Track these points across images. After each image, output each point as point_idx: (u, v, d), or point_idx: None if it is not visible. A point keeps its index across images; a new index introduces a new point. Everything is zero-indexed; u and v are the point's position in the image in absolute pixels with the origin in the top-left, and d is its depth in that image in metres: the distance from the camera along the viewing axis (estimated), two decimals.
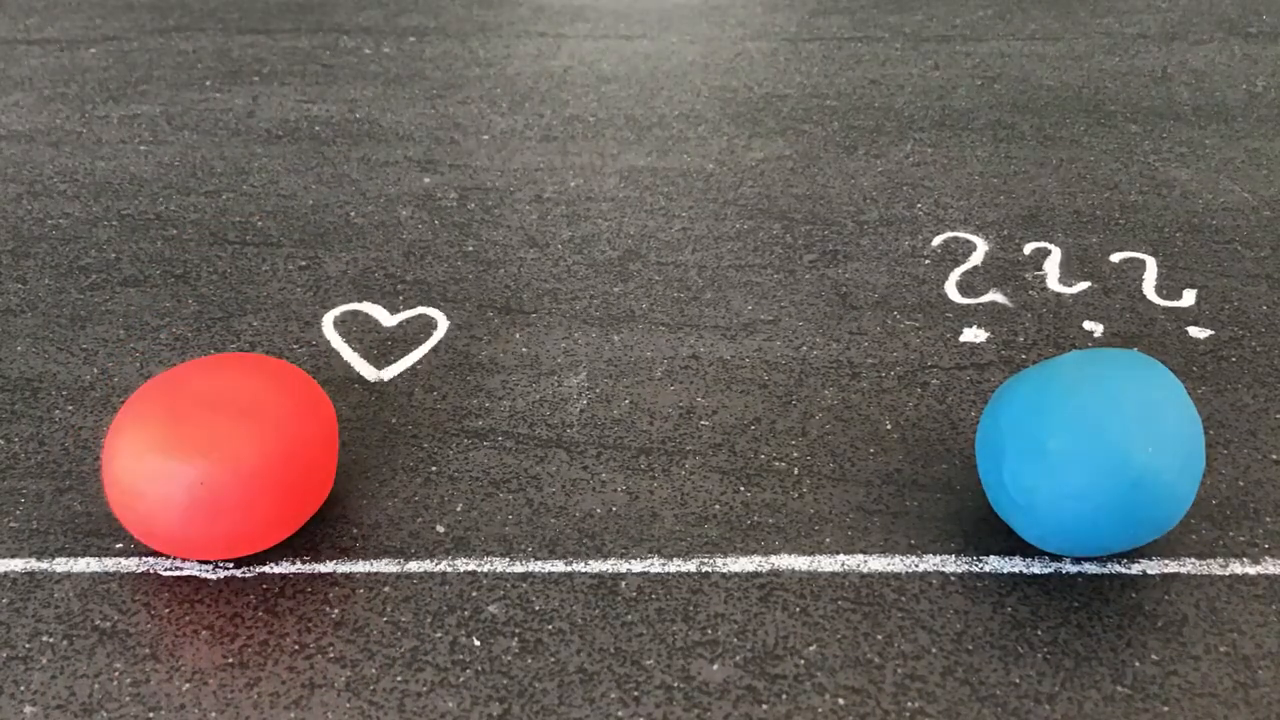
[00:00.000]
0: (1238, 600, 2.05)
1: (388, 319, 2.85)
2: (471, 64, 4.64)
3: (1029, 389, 2.05)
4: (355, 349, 2.77)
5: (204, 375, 2.11)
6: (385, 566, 2.14)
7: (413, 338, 2.83)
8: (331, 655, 1.95)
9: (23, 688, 1.89)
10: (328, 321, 2.87)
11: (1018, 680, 1.89)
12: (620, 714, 1.84)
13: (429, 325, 2.88)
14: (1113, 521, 1.95)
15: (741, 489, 2.33)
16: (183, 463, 1.94)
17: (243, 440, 1.99)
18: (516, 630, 2.00)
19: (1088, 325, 2.87)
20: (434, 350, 2.78)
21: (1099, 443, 1.90)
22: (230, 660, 1.94)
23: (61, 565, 2.14)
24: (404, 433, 2.49)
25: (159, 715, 1.84)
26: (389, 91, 4.36)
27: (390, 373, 2.69)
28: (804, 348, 2.79)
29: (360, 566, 2.14)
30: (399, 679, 1.90)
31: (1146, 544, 2.11)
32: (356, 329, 2.86)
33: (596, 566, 2.13)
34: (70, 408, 2.58)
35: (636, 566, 2.13)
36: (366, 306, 2.90)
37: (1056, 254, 3.20)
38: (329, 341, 2.79)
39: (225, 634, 1.99)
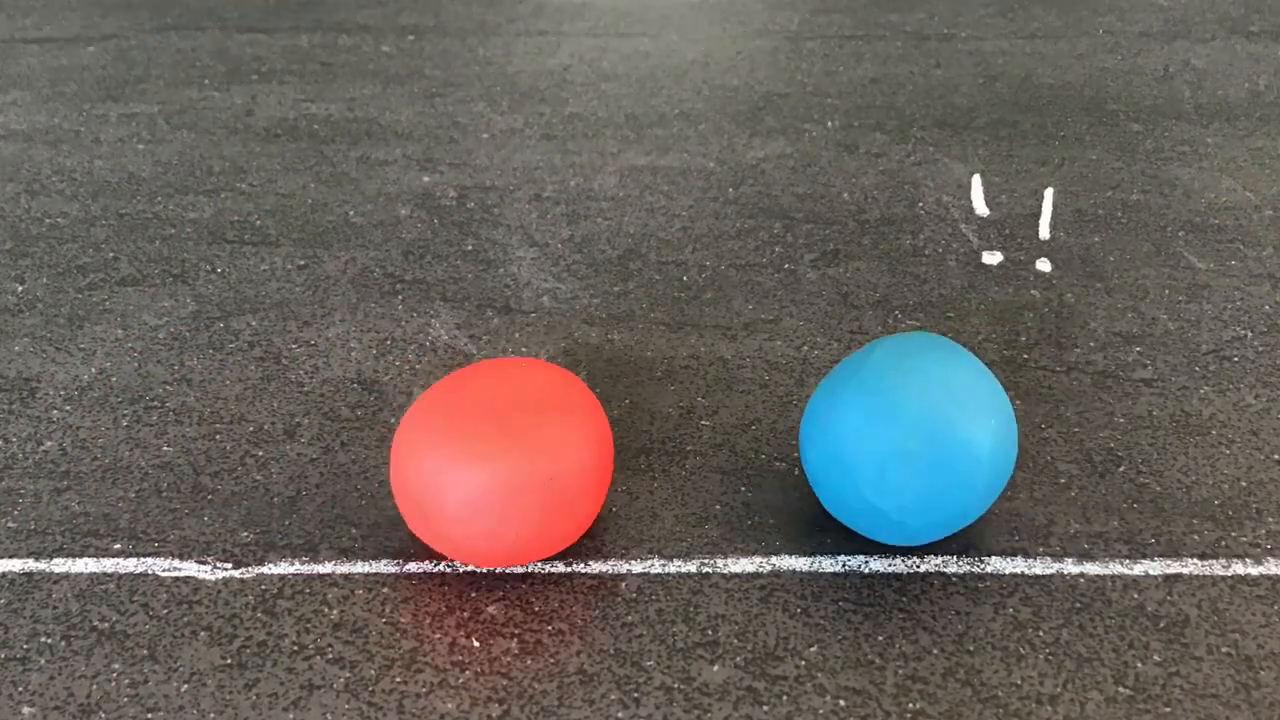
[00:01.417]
0: (1240, 601, 2.04)
1: None
2: (471, 62, 4.63)
3: (858, 398, 2.01)
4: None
5: (493, 379, 2.05)
6: (385, 567, 2.13)
7: None
8: (330, 656, 1.94)
9: (21, 688, 1.88)
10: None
11: (1019, 681, 1.89)
12: (620, 715, 1.83)
13: None
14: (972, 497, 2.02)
15: (741, 489, 2.32)
16: (531, 463, 1.91)
17: (573, 436, 1.97)
18: (516, 631, 1.99)
19: (1089, 324, 2.87)
20: (434, 350, 2.77)
21: (950, 438, 1.94)
22: (229, 661, 1.93)
23: (59, 566, 2.14)
24: None
25: (157, 716, 1.84)
26: (388, 90, 4.35)
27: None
28: (804, 347, 2.78)
29: (360, 567, 2.13)
30: (398, 680, 1.90)
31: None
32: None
33: (596, 566, 2.13)
34: (68, 407, 2.57)
35: (636, 566, 2.12)
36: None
37: (1057, 253, 3.19)
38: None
39: (223, 635, 1.98)
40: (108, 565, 2.14)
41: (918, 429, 1.93)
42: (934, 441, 1.93)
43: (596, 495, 2.05)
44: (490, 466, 1.90)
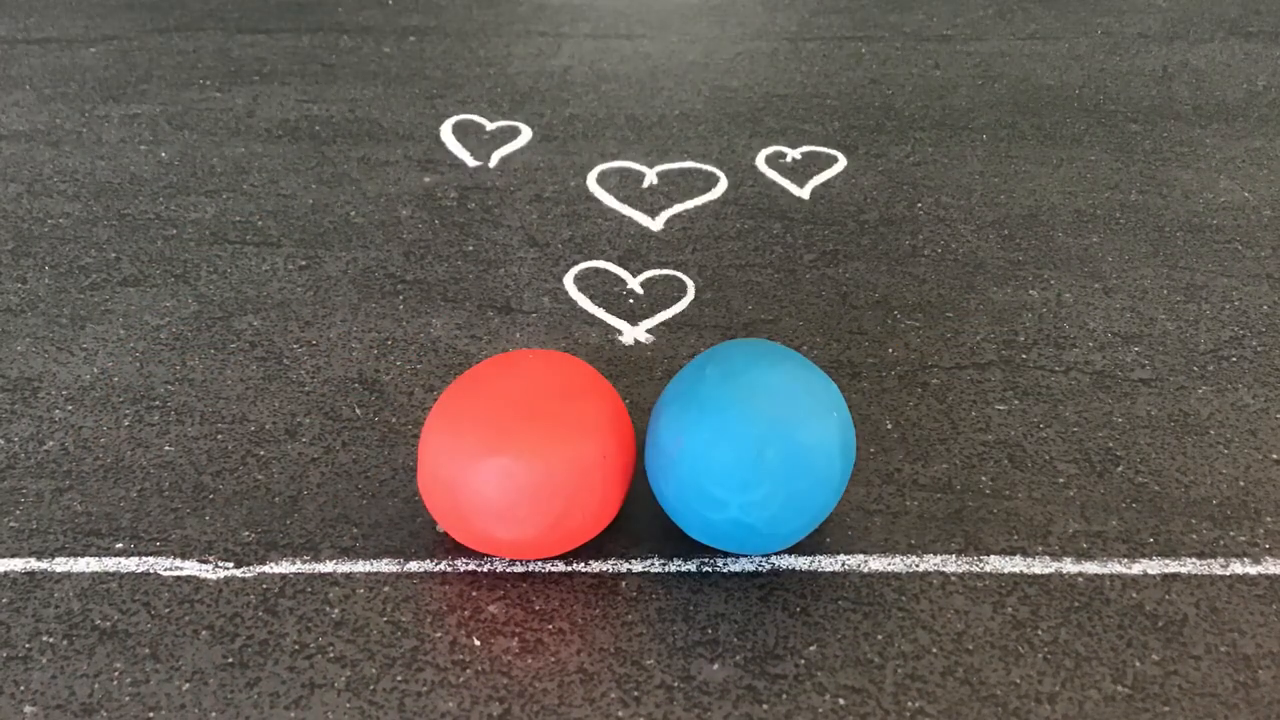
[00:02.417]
0: (1238, 600, 2.05)
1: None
2: (471, 64, 4.63)
3: (703, 424, 1.97)
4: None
5: (519, 369, 2.09)
6: (385, 566, 2.14)
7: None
8: (331, 655, 1.95)
9: (22, 687, 1.89)
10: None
11: (1018, 680, 1.89)
12: (620, 714, 1.84)
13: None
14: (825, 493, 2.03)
15: None
16: (586, 442, 1.97)
17: (607, 413, 2.04)
18: (517, 630, 2.00)
19: (1088, 324, 2.87)
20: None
21: (803, 442, 1.95)
22: (230, 660, 1.94)
23: (61, 565, 2.14)
24: (404, 433, 2.49)
25: (159, 715, 1.84)
26: (389, 91, 4.36)
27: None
28: (804, 348, 2.79)
29: (360, 566, 2.14)
30: (399, 679, 1.90)
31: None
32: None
33: (596, 566, 2.13)
34: (70, 407, 2.58)
35: (636, 566, 2.13)
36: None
37: (1056, 253, 3.20)
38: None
39: (225, 634, 1.99)
40: (109, 564, 2.14)
41: (771, 441, 1.93)
42: (789, 449, 1.93)
43: (631, 465, 2.12)
44: (552, 455, 1.94)
